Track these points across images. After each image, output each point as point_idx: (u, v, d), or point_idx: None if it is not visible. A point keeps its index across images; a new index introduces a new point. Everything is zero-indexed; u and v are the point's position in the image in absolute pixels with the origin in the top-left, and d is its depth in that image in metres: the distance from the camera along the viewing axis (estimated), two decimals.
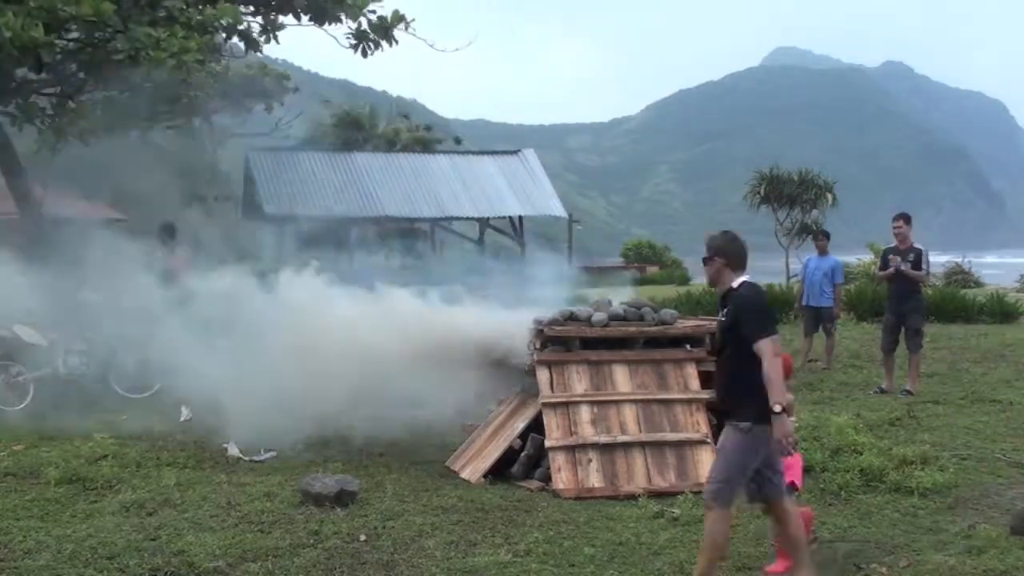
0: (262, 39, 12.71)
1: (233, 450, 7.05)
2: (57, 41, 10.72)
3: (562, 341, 6.59)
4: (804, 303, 11.82)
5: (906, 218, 10.06)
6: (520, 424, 6.51)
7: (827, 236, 12.11)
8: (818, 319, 11.68)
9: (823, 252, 11.87)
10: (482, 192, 26.32)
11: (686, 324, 7.05)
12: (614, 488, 6.01)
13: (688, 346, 6.86)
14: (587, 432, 6.22)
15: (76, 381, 9.63)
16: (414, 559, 4.73)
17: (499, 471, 6.37)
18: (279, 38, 12.75)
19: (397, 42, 12.79)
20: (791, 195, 20.24)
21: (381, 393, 6.81)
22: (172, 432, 7.94)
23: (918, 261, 9.74)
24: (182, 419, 8.49)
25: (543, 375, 6.42)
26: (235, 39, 12.40)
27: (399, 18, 12.53)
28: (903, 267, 9.67)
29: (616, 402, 6.38)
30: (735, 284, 4.46)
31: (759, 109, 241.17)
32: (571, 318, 6.69)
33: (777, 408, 4.15)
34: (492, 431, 6.69)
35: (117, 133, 14.01)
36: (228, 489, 5.99)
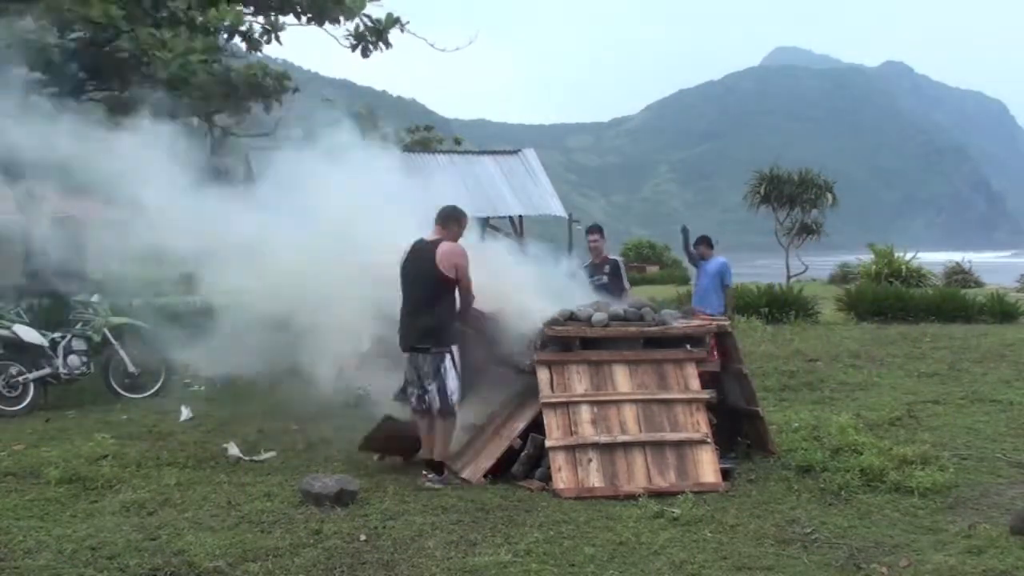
0: (263, 39, 12.73)
1: (233, 450, 7.05)
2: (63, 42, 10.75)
3: (562, 341, 6.59)
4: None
5: (600, 231, 9.52)
6: (520, 424, 6.51)
7: (710, 244, 10.76)
8: None
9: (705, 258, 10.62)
10: (482, 192, 26.32)
11: (686, 324, 7.05)
12: (614, 488, 6.00)
13: (688, 346, 6.86)
14: (587, 432, 6.22)
15: (76, 381, 9.66)
16: (414, 559, 4.73)
17: (499, 471, 6.37)
18: (280, 39, 12.78)
19: (391, 45, 12.81)
20: (791, 195, 20.26)
21: None
22: (172, 432, 7.95)
23: (616, 273, 9.20)
24: (182, 419, 8.50)
25: (543, 375, 6.41)
26: (237, 39, 12.42)
27: (393, 21, 12.54)
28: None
29: (616, 402, 6.38)
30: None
31: (759, 109, 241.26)
32: (571, 318, 6.69)
33: None
34: (492, 431, 6.69)
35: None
36: (228, 489, 5.99)
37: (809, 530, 5.26)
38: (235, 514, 5.40)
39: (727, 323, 7.28)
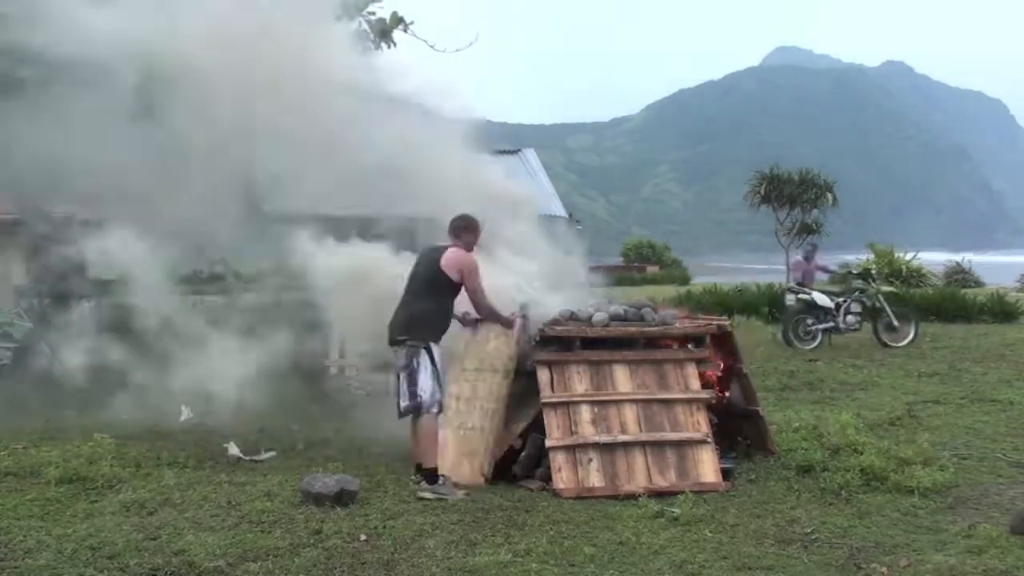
0: None
1: (234, 450, 7.05)
2: None
3: (562, 341, 6.58)
4: None
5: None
6: (520, 424, 6.51)
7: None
8: None
9: None
10: None
11: (687, 324, 7.05)
12: (614, 488, 6.00)
13: (690, 345, 6.87)
14: (587, 432, 6.22)
15: (852, 332, 13.97)
16: (414, 559, 4.73)
17: (499, 471, 6.37)
18: None
19: (395, 44, 12.82)
20: (791, 195, 20.22)
21: None
22: (172, 432, 7.95)
23: None
24: (182, 419, 8.49)
25: (543, 375, 6.41)
26: None
27: (397, 20, 12.54)
28: None
29: (616, 402, 6.37)
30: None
31: (759, 109, 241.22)
32: (572, 318, 6.69)
33: None
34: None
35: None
36: (228, 489, 5.99)
37: (809, 530, 5.26)
38: (235, 514, 5.39)
39: (727, 323, 7.29)
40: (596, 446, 6.15)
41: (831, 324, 13.77)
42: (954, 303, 17.20)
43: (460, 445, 6.41)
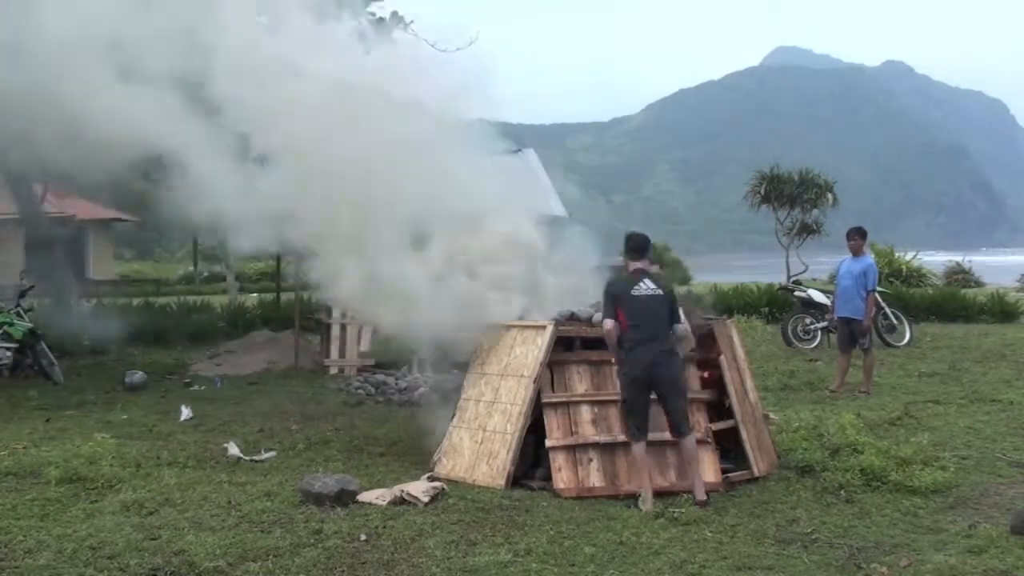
0: None
1: (234, 450, 7.05)
2: None
3: (563, 341, 6.58)
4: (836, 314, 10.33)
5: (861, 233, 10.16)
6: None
7: (862, 234, 10.24)
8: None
9: (857, 252, 10.12)
10: None
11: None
12: (615, 487, 6.00)
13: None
14: (588, 432, 6.21)
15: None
16: (414, 559, 4.73)
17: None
18: None
19: (396, 43, 12.82)
20: (791, 195, 20.19)
21: None
22: (172, 432, 7.95)
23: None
24: (182, 419, 8.50)
25: (544, 375, 6.41)
26: None
27: (398, 20, 12.58)
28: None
29: (617, 402, 6.37)
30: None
31: (759, 109, 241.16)
32: (572, 318, 6.69)
33: None
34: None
35: None
36: (228, 489, 5.99)
37: (809, 530, 5.26)
38: (235, 514, 5.40)
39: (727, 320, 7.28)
40: (596, 446, 6.15)
41: (828, 323, 13.06)
42: (954, 303, 17.21)
43: (478, 446, 6.42)
